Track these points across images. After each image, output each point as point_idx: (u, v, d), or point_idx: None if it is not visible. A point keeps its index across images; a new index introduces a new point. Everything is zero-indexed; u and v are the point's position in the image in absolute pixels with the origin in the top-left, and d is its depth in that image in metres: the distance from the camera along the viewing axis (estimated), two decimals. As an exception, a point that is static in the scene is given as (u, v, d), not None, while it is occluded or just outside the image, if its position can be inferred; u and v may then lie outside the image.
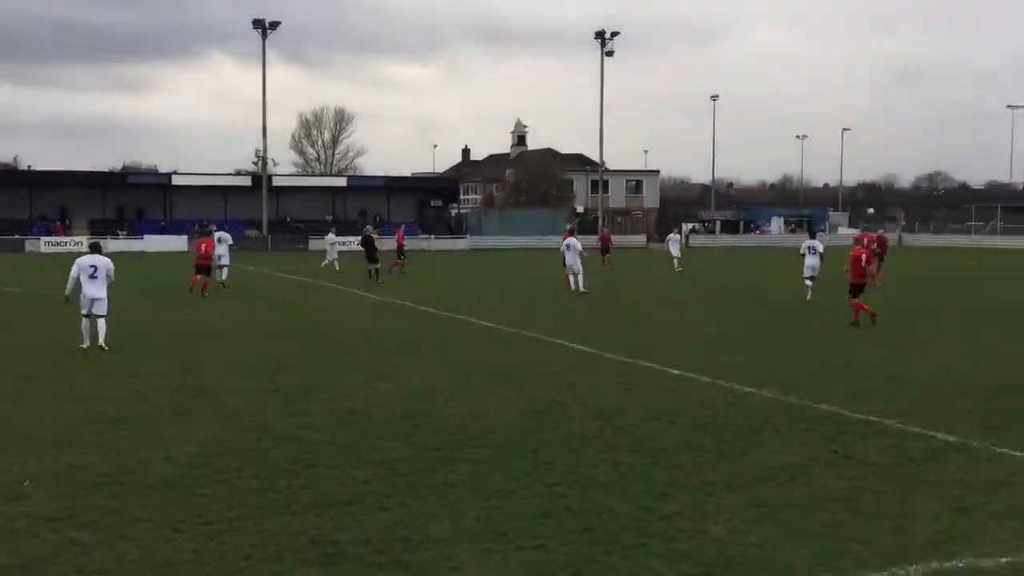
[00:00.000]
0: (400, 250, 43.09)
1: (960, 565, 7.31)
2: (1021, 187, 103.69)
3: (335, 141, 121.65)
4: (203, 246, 31.24)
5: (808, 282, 29.02)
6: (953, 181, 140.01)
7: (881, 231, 41.66)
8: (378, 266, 37.02)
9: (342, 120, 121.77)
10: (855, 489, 9.20)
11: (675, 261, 45.39)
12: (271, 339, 20.20)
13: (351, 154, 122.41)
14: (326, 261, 44.13)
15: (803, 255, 30.04)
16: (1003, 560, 7.40)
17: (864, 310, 22.21)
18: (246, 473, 9.73)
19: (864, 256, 23.03)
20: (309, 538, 7.85)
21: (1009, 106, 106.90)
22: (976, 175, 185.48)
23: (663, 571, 7.16)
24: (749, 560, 7.38)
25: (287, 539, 7.83)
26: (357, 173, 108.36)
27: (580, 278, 31.38)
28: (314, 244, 75.09)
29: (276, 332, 21.45)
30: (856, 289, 22.53)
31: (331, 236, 46.65)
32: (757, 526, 8.15)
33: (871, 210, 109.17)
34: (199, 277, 30.93)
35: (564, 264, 32.15)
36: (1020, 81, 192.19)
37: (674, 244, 46.97)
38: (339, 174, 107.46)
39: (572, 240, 32.04)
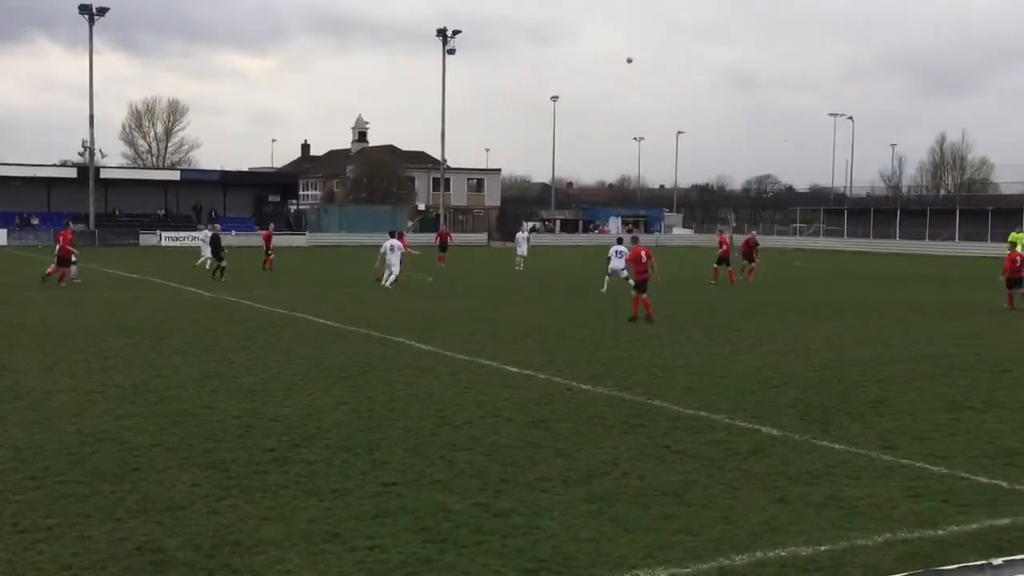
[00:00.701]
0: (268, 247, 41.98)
1: (782, 554, 7.57)
2: (842, 190, 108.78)
3: (168, 133, 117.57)
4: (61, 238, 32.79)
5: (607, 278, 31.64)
6: (781, 184, 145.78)
7: (753, 232, 42.93)
8: (223, 264, 35.91)
9: (176, 112, 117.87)
10: (686, 483, 9.45)
11: (519, 259, 45.63)
12: (97, 338, 19.41)
13: (185, 147, 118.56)
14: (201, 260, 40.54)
15: (609, 258, 31.88)
16: (822, 548, 7.70)
17: (645, 307, 23.23)
18: (67, 478, 9.30)
19: (644, 254, 23.81)
20: (135, 545, 7.56)
21: (831, 114, 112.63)
22: (801, 179, 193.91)
23: (498, 568, 7.18)
24: (584, 555, 7.47)
25: (111, 547, 7.52)
26: (192, 167, 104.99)
27: (393, 277, 32.76)
28: (145, 239, 72.76)
29: (103, 331, 20.62)
30: (639, 286, 23.54)
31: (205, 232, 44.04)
32: (591, 521, 8.27)
33: (731, 214, 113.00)
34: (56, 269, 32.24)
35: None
36: (840, 89, 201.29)
37: (522, 242, 47.13)
38: (172, 167, 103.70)
39: (394, 241, 33.71)
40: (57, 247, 33.28)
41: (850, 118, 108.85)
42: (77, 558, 7.28)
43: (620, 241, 32.99)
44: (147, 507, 8.48)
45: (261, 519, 8.19)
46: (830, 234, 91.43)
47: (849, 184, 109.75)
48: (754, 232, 43.45)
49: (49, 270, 33.19)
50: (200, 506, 8.53)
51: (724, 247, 37.66)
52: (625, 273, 31.06)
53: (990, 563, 3.73)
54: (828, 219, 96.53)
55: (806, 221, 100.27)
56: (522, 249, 46.58)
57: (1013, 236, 49.45)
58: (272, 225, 48.22)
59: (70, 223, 37.76)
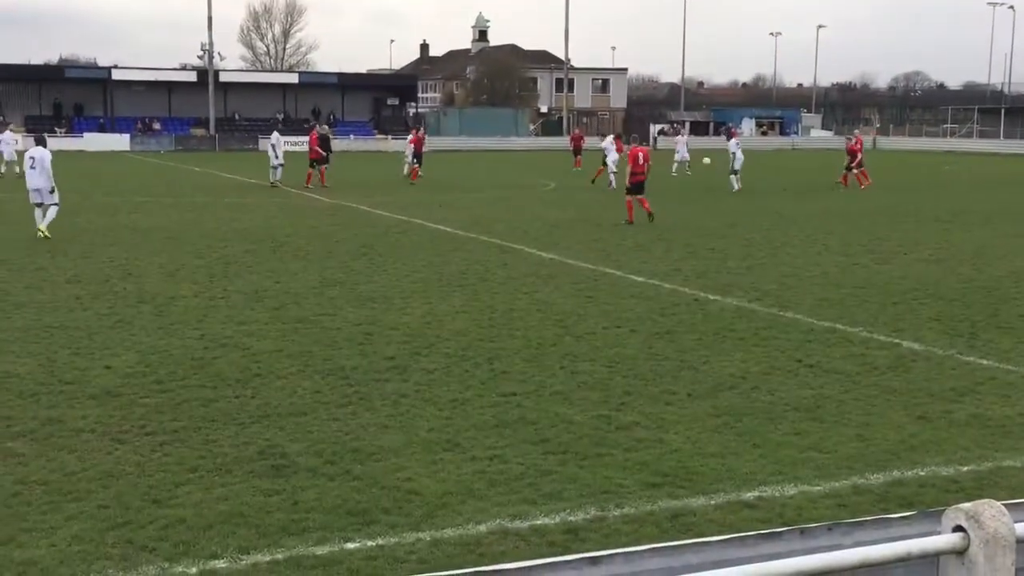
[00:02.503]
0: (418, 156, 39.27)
1: (921, 474, 7.17)
2: (999, 88, 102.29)
3: (286, 35, 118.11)
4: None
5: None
6: (931, 81, 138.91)
7: (856, 135, 41.20)
8: (327, 166, 36.04)
9: (293, 12, 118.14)
10: (819, 398, 9.05)
11: (676, 165, 44.14)
12: (217, 244, 19.71)
13: (303, 49, 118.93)
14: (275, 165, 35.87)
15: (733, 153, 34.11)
16: (964, 469, 7.31)
17: (644, 207, 23.24)
18: (191, 383, 9.41)
19: (642, 155, 23.54)
20: (258, 449, 7.63)
21: (990, 3, 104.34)
22: (954, 76, 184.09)
23: (621, 481, 6.99)
24: (709, 470, 7.23)
25: (235, 451, 7.60)
26: (309, 69, 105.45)
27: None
28: (264, 144, 73.68)
29: (223, 236, 20.94)
30: (635, 188, 23.39)
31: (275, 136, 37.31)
32: (717, 436, 7.99)
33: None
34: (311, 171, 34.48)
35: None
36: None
37: (681, 146, 45.61)
38: (290, 70, 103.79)
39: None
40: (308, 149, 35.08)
41: (1011, 8, 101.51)
42: (203, 461, 7.38)
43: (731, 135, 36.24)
44: (269, 412, 8.53)
45: (381, 427, 8.16)
46: (984, 135, 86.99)
47: (1008, 81, 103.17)
48: (857, 135, 41.51)
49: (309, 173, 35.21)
50: (321, 413, 8.54)
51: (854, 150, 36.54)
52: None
53: None
54: (983, 119, 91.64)
55: (958, 122, 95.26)
56: (681, 154, 44.89)
57: None
58: (421, 128, 44.56)
59: (318, 124, 39.96)
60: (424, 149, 40.76)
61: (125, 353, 10.51)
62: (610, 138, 37.02)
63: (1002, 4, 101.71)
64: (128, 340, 11.13)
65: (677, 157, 44.79)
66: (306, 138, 39.27)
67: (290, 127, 78.96)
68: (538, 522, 6.31)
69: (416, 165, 38.86)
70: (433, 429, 8.13)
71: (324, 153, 35.76)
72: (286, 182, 35.16)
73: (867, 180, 35.58)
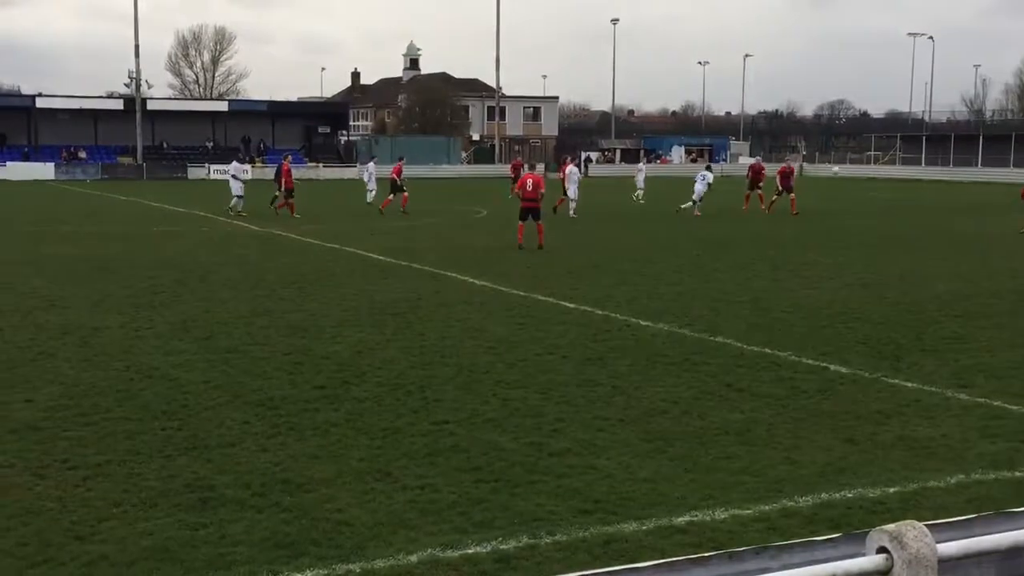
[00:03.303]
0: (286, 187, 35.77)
1: (849, 496, 7.26)
2: (920, 116, 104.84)
3: (215, 63, 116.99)
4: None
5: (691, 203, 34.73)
6: (855, 109, 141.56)
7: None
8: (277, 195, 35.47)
9: (222, 40, 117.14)
10: (748, 422, 9.13)
11: (639, 193, 44.62)
12: (144, 273, 19.37)
13: (232, 77, 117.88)
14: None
15: (695, 181, 35.21)
16: (891, 490, 7.41)
17: (539, 236, 23.60)
18: (115, 415, 9.22)
19: (531, 181, 23.99)
20: (185, 482, 7.49)
21: (910, 33, 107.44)
22: (877, 104, 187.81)
23: (553, 508, 6.97)
24: (641, 495, 7.25)
25: (160, 484, 7.46)
26: (239, 97, 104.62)
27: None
28: (193, 172, 72.89)
29: (150, 266, 20.60)
30: (525, 214, 23.82)
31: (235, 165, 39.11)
32: (649, 461, 8.02)
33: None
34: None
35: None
36: (919, 7, 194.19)
37: (639, 174, 46.21)
38: (220, 98, 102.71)
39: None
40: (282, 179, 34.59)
41: (930, 38, 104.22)
42: (127, 495, 7.23)
43: (709, 168, 37.55)
44: (196, 444, 8.39)
45: (311, 457, 8.07)
46: (907, 162, 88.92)
47: (928, 109, 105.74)
48: (788, 161, 43.09)
49: (280, 203, 34.82)
50: (249, 443, 8.43)
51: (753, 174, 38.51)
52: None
53: None
54: (905, 146, 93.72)
55: (881, 149, 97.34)
56: (639, 179, 45.58)
57: None
58: (402, 159, 42.31)
59: (289, 156, 39.42)
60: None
61: (47, 386, 10.26)
62: (571, 167, 36.48)
63: (921, 35, 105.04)
64: (51, 372, 10.88)
65: (639, 184, 45.27)
66: (243, 166, 38.88)
67: (220, 156, 78.44)
68: (469, 551, 6.27)
69: (390, 196, 37.76)
70: (364, 459, 8.05)
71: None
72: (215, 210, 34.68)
73: (785, 208, 36.19)
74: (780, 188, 36.63)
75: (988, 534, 3.18)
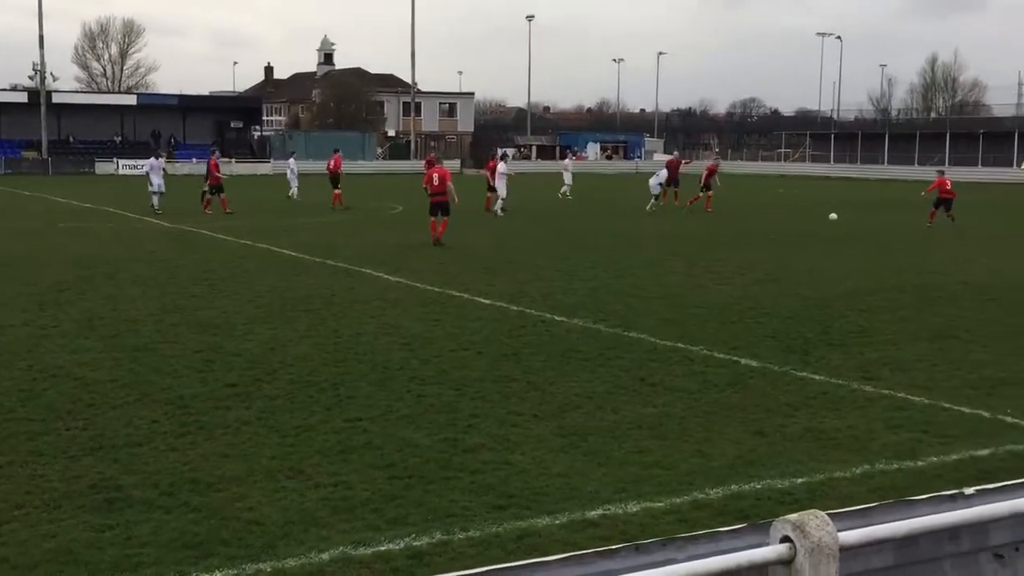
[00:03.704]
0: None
1: (758, 487, 7.39)
2: (829, 114, 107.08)
3: (124, 56, 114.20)
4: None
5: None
6: (766, 108, 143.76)
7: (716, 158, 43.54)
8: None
9: (131, 33, 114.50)
10: (661, 416, 9.22)
11: (566, 188, 44.76)
12: (49, 271, 18.89)
13: (142, 70, 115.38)
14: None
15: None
16: (798, 481, 7.56)
17: (442, 229, 23.68)
18: (18, 416, 8.99)
19: (437, 176, 24.20)
20: (90, 483, 7.33)
21: (819, 33, 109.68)
22: (788, 103, 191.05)
23: (467, 504, 6.97)
24: (554, 490, 7.28)
25: (65, 485, 7.29)
26: (149, 91, 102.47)
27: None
28: (101, 167, 71.22)
29: (55, 263, 20.09)
30: (434, 208, 24.02)
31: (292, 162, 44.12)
32: (563, 455, 8.06)
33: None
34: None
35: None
36: (829, 8, 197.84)
37: (567, 172, 46.20)
38: (128, 92, 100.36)
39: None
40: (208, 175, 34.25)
41: (838, 38, 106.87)
42: (30, 497, 7.07)
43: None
44: (103, 444, 8.23)
45: (221, 456, 7.95)
46: (816, 159, 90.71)
47: (836, 107, 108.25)
48: (716, 158, 43.98)
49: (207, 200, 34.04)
50: (158, 443, 8.28)
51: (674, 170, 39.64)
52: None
53: (962, 492, 3.58)
54: (815, 144, 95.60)
55: (792, 146, 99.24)
56: (567, 178, 45.46)
57: None
58: (338, 151, 42.05)
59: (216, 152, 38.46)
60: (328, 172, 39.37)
61: (-55, 386, 9.94)
62: (502, 166, 35.26)
63: (830, 35, 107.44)
64: (-51, 372, 10.54)
65: (566, 180, 45.35)
66: (144, 162, 37.73)
67: (129, 151, 76.78)
68: (382, 548, 6.23)
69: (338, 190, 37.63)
70: (276, 457, 7.95)
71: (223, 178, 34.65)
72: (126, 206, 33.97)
73: (701, 205, 36.75)
74: (704, 185, 36.97)
75: (887, 522, 3.26)
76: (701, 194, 36.82)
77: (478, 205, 36.07)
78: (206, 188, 34.52)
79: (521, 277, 18.46)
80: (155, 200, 33.61)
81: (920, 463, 7.98)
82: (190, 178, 44.61)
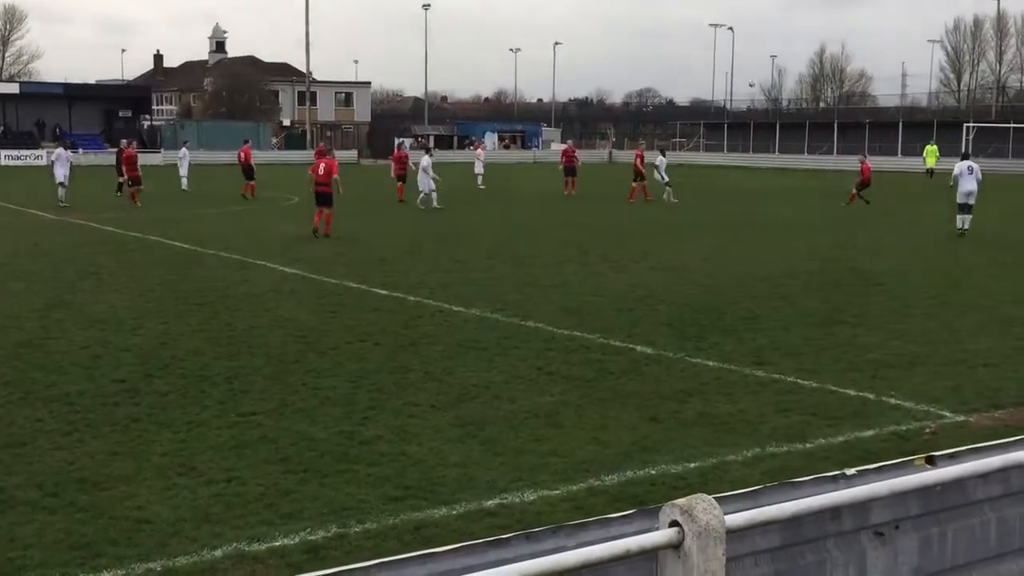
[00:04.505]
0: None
1: (652, 473, 7.48)
2: (723, 104, 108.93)
3: (5, 42, 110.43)
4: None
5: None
6: (662, 98, 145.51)
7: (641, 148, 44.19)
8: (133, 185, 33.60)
9: (12, 19, 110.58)
10: (558, 404, 9.28)
11: (479, 177, 44.56)
12: (-67, 264, 18.19)
13: (25, 58, 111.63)
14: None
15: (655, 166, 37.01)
16: (691, 465, 7.67)
17: (326, 221, 23.49)
18: None
19: (324, 166, 24.02)
20: (-31, 485, 7.03)
21: (711, 24, 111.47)
22: (682, 93, 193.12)
23: (363, 497, 6.92)
24: (451, 480, 7.27)
25: (-58, 488, 6.98)
26: (32, 79, 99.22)
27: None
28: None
29: (-60, 256, 19.35)
30: (318, 199, 23.76)
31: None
32: (460, 445, 8.06)
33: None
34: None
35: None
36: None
37: (477, 161, 46.08)
38: (11, 80, 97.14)
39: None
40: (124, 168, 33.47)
41: (730, 28, 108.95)
42: (-97, 503, 6.73)
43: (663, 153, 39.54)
44: (-17, 445, 7.90)
45: (110, 454, 7.75)
46: (710, 148, 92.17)
47: (729, 98, 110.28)
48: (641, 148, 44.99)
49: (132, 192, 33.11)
50: (43, 442, 8.03)
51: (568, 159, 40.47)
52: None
53: (843, 473, 3.70)
54: (708, 133, 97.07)
55: (686, 136, 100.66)
56: (479, 167, 45.36)
57: (928, 149, 56.96)
58: (248, 142, 42.34)
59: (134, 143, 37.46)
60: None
61: None
62: (426, 159, 33.61)
63: (722, 26, 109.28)
64: None
65: (477, 169, 45.32)
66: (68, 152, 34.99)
67: (12, 141, 74.17)
68: (277, 543, 6.14)
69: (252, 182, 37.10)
70: (167, 454, 7.78)
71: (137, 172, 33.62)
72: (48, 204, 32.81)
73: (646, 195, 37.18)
74: (637, 174, 37.10)
75: (773, 504, 3.33)
76: (636, 184, 36.94)
77: (376, 195, 35.85)
78: (124, 180, 33.60)
79: (420, 268, 18.39)
80: (60, 192, 32.41)
81: (809, 445, 8.18)
82: (79, 168, 43.18)
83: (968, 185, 25.09)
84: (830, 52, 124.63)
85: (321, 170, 23.85)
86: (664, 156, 39.07)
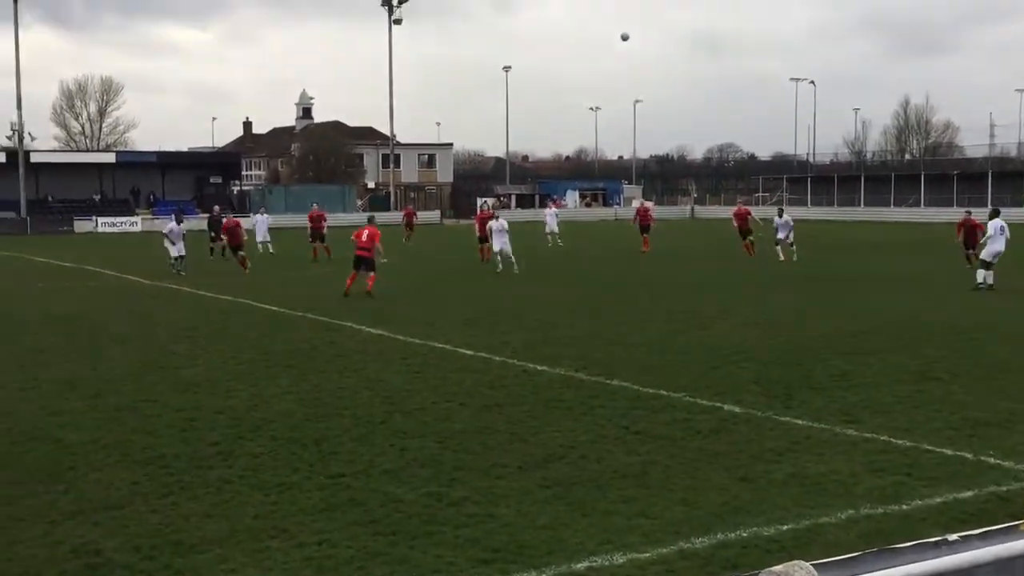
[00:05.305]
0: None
1: (744, 535, 7.36)
2: (805, 158, 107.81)
3: (102, 114, 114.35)
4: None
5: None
6: (743, 152, 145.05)
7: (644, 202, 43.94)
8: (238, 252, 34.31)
9: (110, 90, 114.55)
10: (645, 464, 9.21)
11: (550, 236, 45.16)
12: (28, 330, 18.81)
13: (121, 128, 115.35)
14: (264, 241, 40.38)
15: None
16: (784, 528, 7.53)
17: (369, 283, 24.05)
18: (-3, 480, 8.87)
19: (367, 233, 24.78)
20: (71, 548, 7.26)
21: (792, 78, 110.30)
22: (764, 147, 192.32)
23: (452, 559, 6.92)
24: (539, 542, 7.24)
25: (45, 551, 7.20)
26: (128, 148, 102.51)
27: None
28: (80, 225, 71.06)
29: (34, 322, 20.02)
30: (356, 262, 24.53)
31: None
32: (547, 507, 8.03)
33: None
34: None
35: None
36: (802, 53, 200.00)
37: (551, 218, 46.71)
38: (107, 149, 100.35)
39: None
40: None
41: (811, 82, 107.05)
42: (9, 564, 6.99)
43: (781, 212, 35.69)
44: (83, 507, 8.14)
45: (204, 516, 7.88)
46: (793, 203, 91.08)
47: (812, 151, 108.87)
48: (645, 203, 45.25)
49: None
50: (139, 505, 8.20)
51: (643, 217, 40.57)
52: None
53: (946, 539, 3.58)
54: (791, 187, 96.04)
55: (769, 190, 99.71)
56: (551, 225, 45.88)
57: None
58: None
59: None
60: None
61: (-77, 451, 9.84)
62: (499, 222, 32.19)
63: (804, 79, 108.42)
64: (-74, 437, 10.43)
65: (547, 229, 45.82)
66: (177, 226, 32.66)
67: (108, 208, 76.63)
68: (368, 607, 6.17)
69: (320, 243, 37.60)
70: (259, 516, 7.89)
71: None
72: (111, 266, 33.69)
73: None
74: (741, 229, 36.35)
75: (873, 571, 3.26)
76: (745, 239, 36.26)
77: (458, 256, 36.17)
78: (221, 245, 34.43)
79: (503, 327, 18.47)
80: (177, 263, 31.02)
81: (905, 507, 7.98)
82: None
83: (998, 246, 23.96)
84: (914, 103, 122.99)
85: (364, 237, 24.76)
86: (782, 217, 35.33)
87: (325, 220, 39.33)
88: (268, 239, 41.25)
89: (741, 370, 13.83)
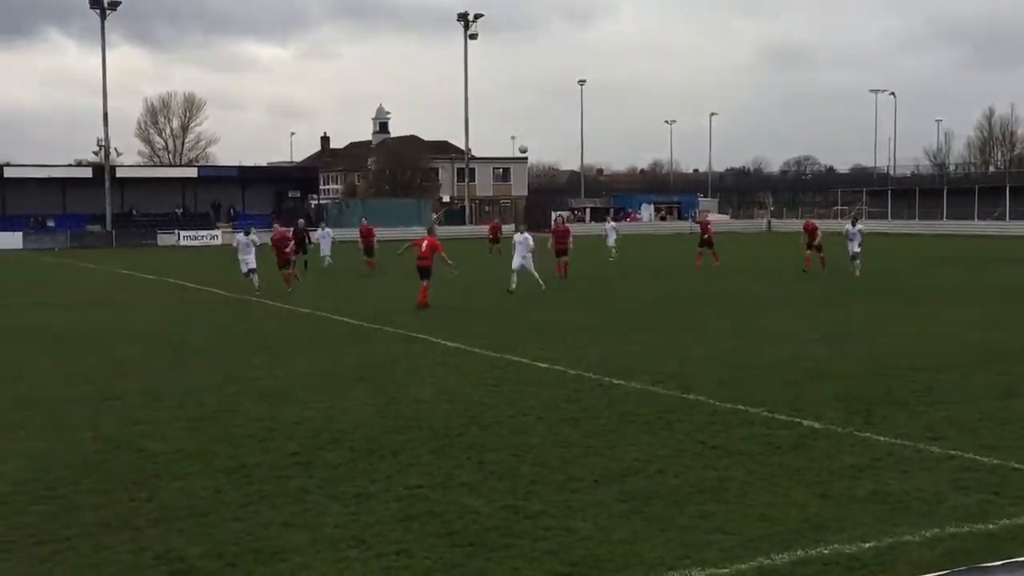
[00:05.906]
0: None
1: (825, 552, 7.25)
2: (885, 170, 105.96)
3: (184, 129, 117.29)
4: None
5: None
6: (821, 165, 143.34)
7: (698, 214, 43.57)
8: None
9: (192, 107, 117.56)
10: (723, 479, 9.12)
11: (611, 249, 45.21)
12: (113, 342, 19.25)
13: (202, 143, 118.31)
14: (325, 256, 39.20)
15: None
16: (866, 545, 7.40)
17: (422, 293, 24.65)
18: (83, 488, 9.10)
19: (427, 243, 25.32)
20: (154, 555, 7.39)
21: (872, 90, 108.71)
22: (842, 159, 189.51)
23: (529, 572, 6.93)
24: (617, 556, 7.21)
25: (130, 557, 7.35)
26: (209, 163, 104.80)
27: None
28: (162, 239, 72.69)
29: (119, 334, 20.48)
30: (420, 272, 25.22)
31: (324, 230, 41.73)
32: (624, 521, 7.99)
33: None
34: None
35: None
36: (882, 64, 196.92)
37: (611, 232, 46.74)
38: (189, 164, 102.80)
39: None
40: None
41: (892, 94, 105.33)
42: (96, 570, 7.13)
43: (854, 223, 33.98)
44: (167, 515, 8.29)
45: (284, 525, 7.98)
46: (873, 216, 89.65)
47: (892, 163, 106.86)
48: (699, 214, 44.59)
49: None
50: (222, 512, 8.34)
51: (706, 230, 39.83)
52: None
53: None
54: (871, 200, 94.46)
55: (848, 203, 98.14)
56: (611, 239, 45.95)
57: None
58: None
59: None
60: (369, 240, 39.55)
61: (14, 459, 10.13)
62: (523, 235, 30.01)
63: (883, 91, 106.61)
64: (16, 446, 10.74)
65: (609, 242, 45.85)
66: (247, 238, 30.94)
67: (190, 222, 78.27)
68: (446, 618, 6.20)
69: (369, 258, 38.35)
70: (338, 525, 7.97)
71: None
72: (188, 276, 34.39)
73: (708, 261, 38.11)
74: (809, 243, 35.74)
75: (961, 590, 3.19)
76: (810, 252, 35.93)
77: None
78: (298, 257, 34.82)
79: (578, 340, 18.44)
80: (253, 279, 29.68)
81: (991, 526, 7.79)
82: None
83: None
84: (999, 114, 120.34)
85: (424, 246, 25.33)
86: (855, 226, 33.88)
87: (375, 235, 39.89)
88: (330, 253, 40.61)
89: (819, 385, 13.63)
